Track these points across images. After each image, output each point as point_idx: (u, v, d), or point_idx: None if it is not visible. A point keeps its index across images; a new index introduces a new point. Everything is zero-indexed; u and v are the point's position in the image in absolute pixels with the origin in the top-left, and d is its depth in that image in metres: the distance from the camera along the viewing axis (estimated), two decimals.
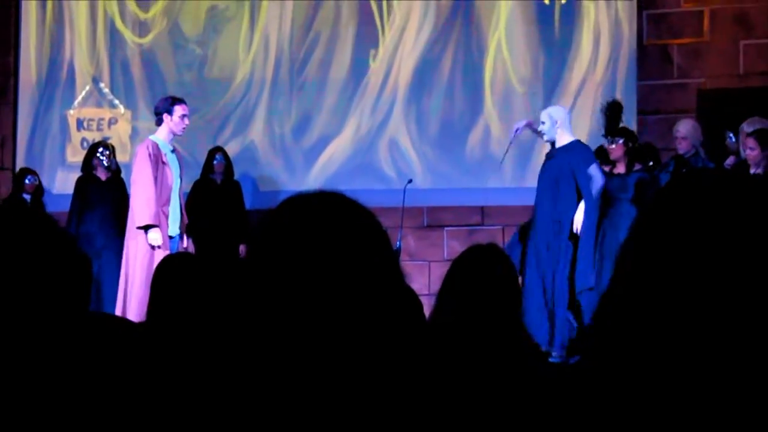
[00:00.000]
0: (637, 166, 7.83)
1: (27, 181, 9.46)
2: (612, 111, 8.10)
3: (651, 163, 8.25)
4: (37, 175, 9.69)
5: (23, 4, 10.48)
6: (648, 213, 1.39)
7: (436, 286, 3.15)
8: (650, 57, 9.25)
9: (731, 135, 8.09)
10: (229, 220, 8.95)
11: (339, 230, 1.37)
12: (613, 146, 7.77)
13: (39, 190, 9.55)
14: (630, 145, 7.86)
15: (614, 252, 7.52)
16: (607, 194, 7.82)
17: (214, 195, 9.04)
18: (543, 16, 9.51)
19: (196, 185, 9.22)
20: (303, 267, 1.33)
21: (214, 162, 9.17)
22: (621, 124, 8.22)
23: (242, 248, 8.96)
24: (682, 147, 7.90)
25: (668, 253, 1.31)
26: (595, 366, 1.37)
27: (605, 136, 7.93)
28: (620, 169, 7.77)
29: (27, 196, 9.56)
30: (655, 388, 1.28)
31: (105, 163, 9.11)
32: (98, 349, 1.91)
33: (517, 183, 9.34)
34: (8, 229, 1.85)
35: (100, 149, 9.22)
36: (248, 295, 1.37)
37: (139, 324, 3.71)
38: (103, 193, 9.02)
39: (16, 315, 1.73)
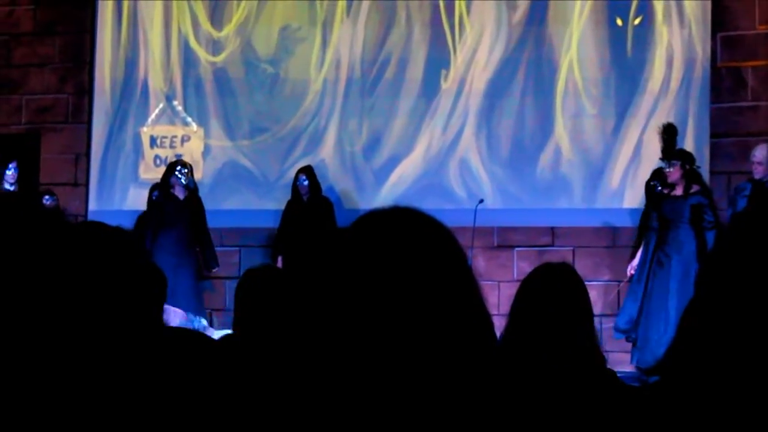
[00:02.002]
0: (695, 188, 7.94)
1: (45, 202, 9.67)
2: (668, 134, 8.28)
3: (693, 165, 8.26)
4: (56, 196, 9.95)
5: (98, 24, 10.76)
6: (727, 238, 1.34)
7: (505, 307, 3.11)
8: (723, 79, 9.29)
9: None
10: (319, 236, 9.17)
11: (416, 245, 1.37)
12: (671, 169, 7.91)
13: (59, 212, 9.76)
14: (687, 167, 7.99)
15: (680, 275, 7.91)
16: (664, 218, 8.00)
17: (303, 214, 9.26)
18: (615, 37, 9.58)
19: (288, 205, 9.53)
20: (381, 283, 1.33)
21: (298, 183, 9.40)
22: (684, 148, 8.45)
23: (279, 260, 9.26)
24: (759, 172, 7.94)
25: (750, 277, 1.34)
26: (676, 389, 1.38)
27: (662, 159, 8.09)
28: (678, 191, 7.94)
29: None
30: (736, 410, 1.31)
31: (183, 181, 9.31)
32: (175, 363, 1.98)
33: (587, 204, 9.48)
34: (87, 243, 1.92)
35: (179, 167, 9.43)
36: (329, 312, 1.36)
37: (221, 338, 3.82)
38: (180, 211, 9.22)
39: (94, 329, 1.77)
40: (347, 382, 1.32)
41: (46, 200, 9.64)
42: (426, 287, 1.34)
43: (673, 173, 7.99)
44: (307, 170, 9.46)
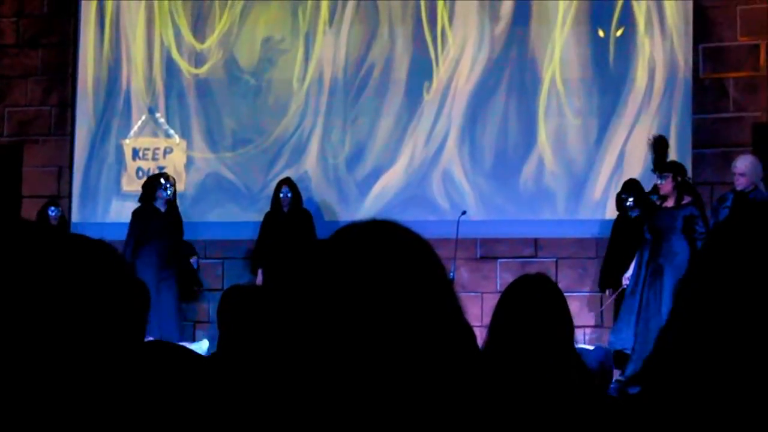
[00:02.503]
0: (686, 199, 8.03)
1: (50, 213, 9.71)
2: (659, 146, 8.32)
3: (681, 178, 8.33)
4: (60, 207, 9.96)
5: (81, 36, 10.79)
6: (708, 248, 1.44)
7: (488, 318, 3.14)
8: (706, 91, 9.38)
9: None
10: (299, 249, 9.24)
11: (394, 259, 1.38)
12: (663, 182, 7.98)
13: (63, 222, 9.76)
14: (679, 179, 8.05)
15: (673, 286, 7.83)
16: (657, 229, 8.06)
17: (283, 226, 9.27)
18: (598, 49, 9.68)
19: (267, 217, 9.51)
20: (358, 295, 1.34)
21: (281, 195, 9.43)
22: (671, 159, 8.45)
23: (259, 274, 9.34)
24: (741, 183, 7.95)
25: (729, 288, 1.34)
26: (656, 399, 1.38)
27: (654, 171, 8.14)
28: (670, 203, 8.01)
29: None
30: (718, 420, 1.30)
31: (167, 194, 9.37)
32: (161, 377, 1.97)
33: (570, 215, 9.55)
34: (67, 255, 1.85)
35: (163, 181, 9.42)
36: (308, 325, 1.37)
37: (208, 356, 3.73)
38: (164, 224, 9.22)
39: (76, 343, 1.73)
40: (327, 395, 1.34)
41: (51, 211, 9.67)
42: (404, 300, 1.35)
43: (666, 185, 8.03)
44: (290, 182, 9.51)
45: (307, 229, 9.32)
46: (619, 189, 9.15)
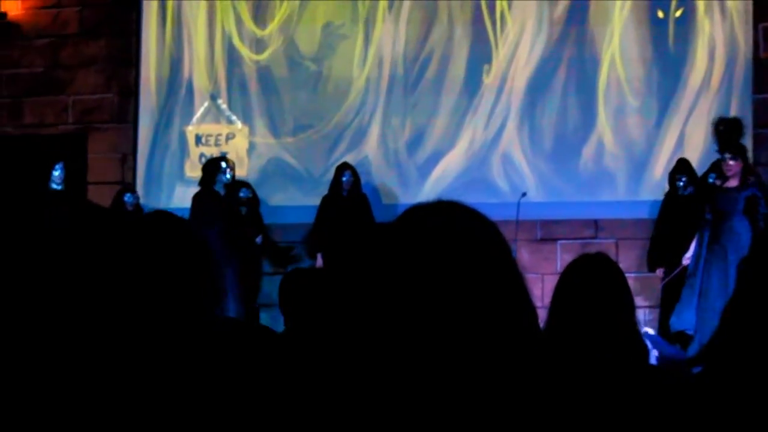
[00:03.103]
0: (750, 180, 8.03)
1: (126, 200, 9.80)
2: (735, 128, 8.26)
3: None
4: (136, 194, 10.03)
5: (143, 24, 10.87)
6: None
7: (549, 299, 3.14)
8: (766, 70, 9.39)
9: None
10: (360, 232, 9.18)
11: (461, 239, 1.38)
12: (733, 162, 7.95)
13: (139, 209, 9.79)
14: (745, 161, 8.03)
15: (727, 265, 7.89)
16: (719, 210, 8.05)
17: (342, 209, 9.39)
18: (657, 30, 9.71)
19: (325, 200, 9.50)
20: (427, 276, 1.34)
21: (343, 179, 9.50)
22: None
23: (319, 257, 9.37)
24: None
25: None
26: (720, 377, 1.37)
27: (720, 152, 8.11)
28: (732, 183, 7.98)
29: None
30: None
31: (226, 178, 9.44)
32: (234, 354, 1.98)
33: (630, 197, 9.60)
34: (155, 235, 1.96)
35: (223, 164, 9.48)
36: (376, 306, 1.36)
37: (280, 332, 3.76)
38: (223, 208, 9.28)
39: (148, 321, 1.81)
40: (395, 377, 1.31)
41: (128, 198, 9.78)
42: (471, 279, 1.34)
43: (735, 166, 7.99)
44: (350, 166, 9.61)
45: (365, 212, 9.41)
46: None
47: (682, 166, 8.99)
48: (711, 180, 8.53)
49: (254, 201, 9.72)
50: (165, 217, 2.12)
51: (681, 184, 8.91)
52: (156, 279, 1.91)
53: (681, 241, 8.62)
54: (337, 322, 1.43)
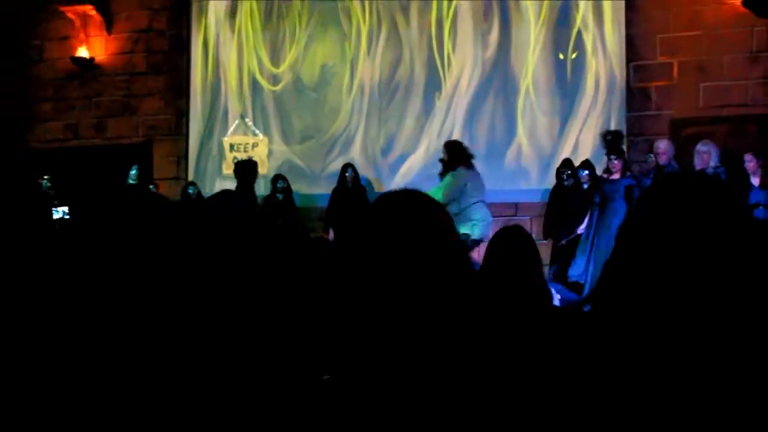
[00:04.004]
0: (628, 174, 8.17)
1: (189, 191, 10.02)
2: (616, 137, 8.51)
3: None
4: (197, 186, 10.18)
5: (192, 65, 11.23)
6: (639, 202, 1.45)
7: (482, 259, 3.17)
8: (635, 95, 9.54)
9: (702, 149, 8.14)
10: (357, 212, 9.22)
11: (420, 215, 1.40)
12: (616, 162, 8.18)
13: (200, 197, 9.80)
14: (624, 160, 8.25)
15: (611, 233, 7.68)
16: (605, 195, 8.20)
17: (348, 196, 9.53)
18: (559, 67, 9.88)
19: (334, 190, 9.77)
20: (394, 241, 1.36)
21: (346, 174, 9.71)
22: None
23: (331, 231, 9.30)
24: (662, 159, 8.21)
25: (655, 227, 1.36)
26: (603, 312, 1.39)
27: (609, 154, 8.21)
28: (615, 176, 8.18)
29: None
30: (658, 330, 1.28)
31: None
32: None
33: (540, 186, 9.68)
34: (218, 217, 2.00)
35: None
36: (360, 264, 1.37)
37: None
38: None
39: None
40: (370, 312, 1.33)
41: (190, 190, 9.96)
42: (426, 241, 1.37)
43: (618, 164, 8.17)
44: (352, 165, 9.84)
45: (364, 198, 9.52)
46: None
47: (565, 163, 9.08)
48: (582, 174, 8.68)
49: (288, 189, 9.81)
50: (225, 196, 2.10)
51: (564, 176, 9.00)
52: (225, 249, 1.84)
53: (566, 217, 8.69)
54: (338, 272, 1.40)
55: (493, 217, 9.21)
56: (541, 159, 9.86)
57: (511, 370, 1.36)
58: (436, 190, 7.83)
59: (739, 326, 1.25)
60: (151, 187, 10.02)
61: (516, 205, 9.85)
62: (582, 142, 9.70)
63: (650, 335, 1.28)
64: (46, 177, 10.17)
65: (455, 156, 8.09)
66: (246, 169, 9.47)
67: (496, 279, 2.97)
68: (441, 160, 8.23)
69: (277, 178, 9.85)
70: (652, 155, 8.43)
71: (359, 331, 1.33)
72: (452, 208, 7.76)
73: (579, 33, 9.75)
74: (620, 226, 1.45)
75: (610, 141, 8.45)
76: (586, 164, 8.93)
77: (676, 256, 1.31)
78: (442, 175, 8.17)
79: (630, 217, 1.42)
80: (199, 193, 10.09)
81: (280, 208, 9.31)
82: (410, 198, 1.42)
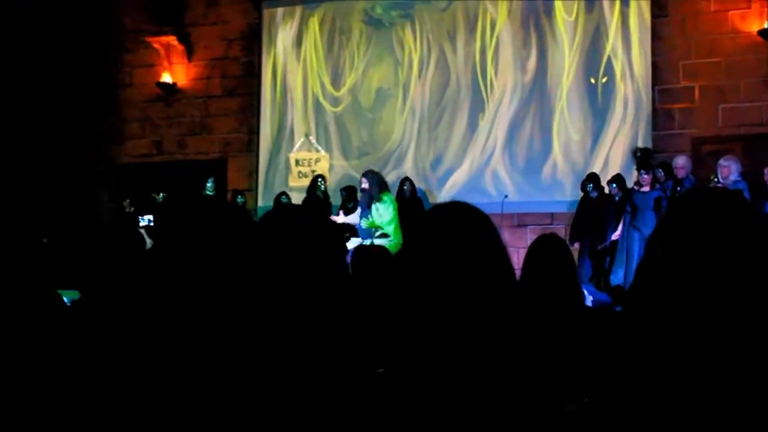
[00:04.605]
0: (657, 187, 8.39)
1: (238, 201, 10.22)
2: (645, 154, 8.87)
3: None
4: (244, 196, 10.34)
5: (262, 89, 11.46)
6: (668, 213, 1.47)
7: (522, 263, 3.10)
8: (660, 116, 9.74)
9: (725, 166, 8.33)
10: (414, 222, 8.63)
11: (469, 225, 1.44)
12: (646, 176, 8.42)
13: (244, 207, 10.13)
14: (653, 174, 8.46)
15: (642, 242, 7.93)
16: (636, 206, 8.39)
17: (406, 207, 9.42)
18: (590, 90, 10.10)
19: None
20: (446, 249, 1.41)
21: (405, 187, 9.81)
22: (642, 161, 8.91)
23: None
24: (681, 173, 8.39)
25: (681, 236, 1.38)
26: (633, 311, 1.39)
27: (639, 169, 8.45)
28: (645, 189, 8.41)
29: None
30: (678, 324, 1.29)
31: (323, 188, 9.99)
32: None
33: (573, 198, 9.77)
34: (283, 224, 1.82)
35: (320, 179, 10.06)
36: (416, 269, 1.41)
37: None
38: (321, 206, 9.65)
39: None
40: (422, 317, 1.36)
41: (239, 199, 10.30)
42: (474, 249, 1.40)
43: (647, 178, 8.38)
44: (410, 179, 9.98)
45: (420, 208, 9.56)
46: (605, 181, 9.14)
47: (589, 178, 9.20)
48: (612, 186, 8.85)
49: (244, 205, 9.81)
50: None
51: (589, 189, 9.16)
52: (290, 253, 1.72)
53: (599, 225, 8.80)
54: (400, 274, 1.39)
55: (531, 225, 9.90)
56: (574, 173, 9.99)
57: (547, 366, 1.38)
58: (388, 222, 7.86)
59: (755, 330, 1.25)
60: (239, 198, 10.19)
61: (551, 215, 10.01)
62: (612, 158, 9.87)
63: (674, 335, 1.27)
64: (161, 194, 10.19)
65: (382, 184, 8.19)
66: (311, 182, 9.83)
67: (534, 282, 2.95)
68: (363, 190, 8.21)
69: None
70: (713, 176, 8.30)
71: (414, 329, 1.34)
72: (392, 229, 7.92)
73: (609, 60, 9.91)
74: (649, 235, 1.46)
75: (640, 157, 8.90)
76: (617, 178, 9.11)
77: (699, 263, 1.30)
78: (367, 202, 8.12)
79: (658, 227, 1.43)
80: (245, 203, 10.23)
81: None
82: (461, 208, 1.45)
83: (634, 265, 8.09)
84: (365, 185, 8.14)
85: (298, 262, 1.59)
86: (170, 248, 1.59)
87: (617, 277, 8.38)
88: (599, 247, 8.89)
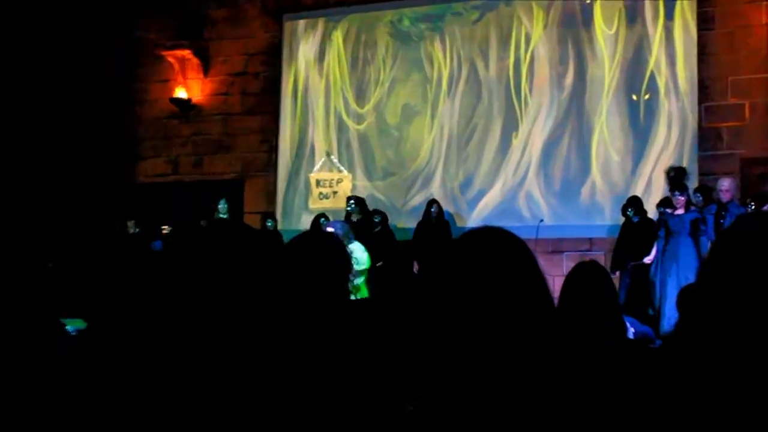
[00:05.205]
0: (692, 208, 8.39)
1: (268, 224, 10.31)
2: (681, 173, 8.57)
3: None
4: (275, 220, 10.41)
5: (282, 107, 11.69)
6: (722, 240, 1.43)
7: (558, 293, 3.07)
8: (707, 135, 9.86)
9: None
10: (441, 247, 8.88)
11: (504, 252, 1.42)
12: (680, 197, 8.39)
13: (276, 230, 10.14)
14: (687, 196, 8.44)
15: (682, 268, 8.02)
16: (671, 230, 8.38)
17: (433, 230, 9.76)
18: (632, 108, 10.25)
19: (419, 225, 10.02)
20: (480, 277, 1.39)
21: (432, 209, 9.93)
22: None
23: (415, 264, 9.47)
24: (725, 197, 8.29)
25: (737, 266, 1.35)
26: (678, 346, 1.39)
27: (673, 190, 8.40)
28: (679, 211, 8.40)
29: None
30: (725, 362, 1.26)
31: (352, 208, 9.82)
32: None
33: (614, 222, 9.79)
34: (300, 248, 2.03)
35: (351, 202, 9.85)
36: (448, 298, 1.38)
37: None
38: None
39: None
40: (458, 343, 1.35)
41: (269, 223, 10.39)
42: (510, 277, 1.38)
43: (682, 200, 8.37)
44: (437, 201, 10.09)
45: (447, 233, 9.75)
46: (648, 204, 9.19)
47: (630, 201, 9.21)
48: (630, 213, 8.89)
49: (384, 222, 9.82)
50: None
51: (630, 213, 9.16)
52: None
53: (633, 251, 8.82)
54: (426, 305, 1.38)
55: (568, 252, 9.91)
56: (614, 196, 10.09)
57: (588, 403, 1.36)
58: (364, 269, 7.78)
59: None
60: (269, 222, 10.26)
61: (590, 240, 10.11)
62: (655, 180, 9.95)
63: (733, 372, 1.24)
64: (168, 227, 10.14)
65: (349, 235, 8.05)
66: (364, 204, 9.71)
67: (573, 314, 2.94)
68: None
69: (374, 213, 9.87)
70: (749, 201, 8.23)
71: (445, 363, 1.33)
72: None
73: (652, 75, 10.09)
74: (703, 263, 1.46)
75: (673, 177, 8.55)
76: (634, 201, 9.19)
77: (759, 296, 1.28)
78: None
79: (713, 252, 1.41)
80: (275, 227, 10.30)
81: (380, 243, 9.19)
82: (495, 235, 1.44)
83: (670, 291, 8.01)
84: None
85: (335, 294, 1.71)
86: (179, 278, 1.58)
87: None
88: (627, 266, 8.85)
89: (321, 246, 2.03)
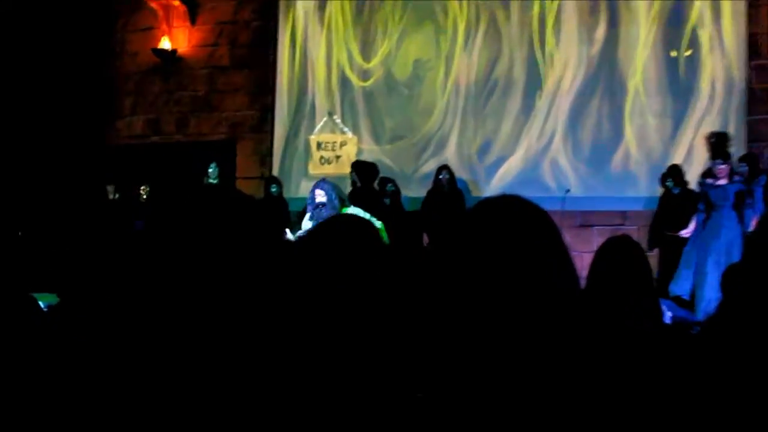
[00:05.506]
0: (736, 178, 8.38)
1: (272, 190, 10.35)
2: (723, 139, 8.67)
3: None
4: (280, 185, 10.42)
5: (278, 60, 11.66)
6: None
7: (586, 272, 3.00)
8: (757, 97, 9.74)
9: None
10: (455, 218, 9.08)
11: (525, 224, 1.40)
12: (723, 166, 8.37)
13: (281, 195, 10.28)
14: (731, 164, 8.40)
15: (724, 245, 8.04)
16: (712, 203, 8.38)
17: (443, 200, 9.79)
18: (671, 65, 10.20)
19: (429, 193, 10.05)
20: (497, 251, 1.37)
21: (440, 176, 9.95)
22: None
23: (424, 236, 9.45)
24: None
25: None
26: (722, 331, 1.42)
27: (714, 158, 8.45)
28: (722, 182, 8.39)
29: None
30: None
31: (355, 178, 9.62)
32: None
33: (650, 193, 9.88)
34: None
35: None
36: (462, 273, 1.37)
37: None
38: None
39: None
40: (469, 319, 1.34)
41: (273, 189, 10.43)
42: (531, 256, 1.36)
43: (724, 169, 8.35)
44: (448, 167, 10.04)
45: (460, 202, 9.75)
46: (689, 174, 9.27)
47: (671, 170, 9.22)
48: (669, 185, 8.89)
49: (397, 193, 9.89)
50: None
51: (669, 185, 9.18)
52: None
53: (673, 225, 8.80)
54: (437, 282, 1.38)
55: (598, 226, 9.92)
56: (650, 164, 10.07)
57: (615, 391, 1.36)
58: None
59: None
60: (273, 188, 10.32)
61: (623, 214, 10.07)
62: (696, 147, 9.92)
63: None
64: (146, 187, 10.43)
65: (341, 197, 8.20)
66: (367, 170, 9.52)
67: (602, 295, 2.91)
68: (320, 205, 8.09)
69: (386, 181, 9.91)
70: None
71: (458, 345, 1.33)
72: None
73: (694, 29, 10.03)
74: (747, 242, 1.47)
75: (714, 143, 8.65)
76: (674, 170, 9.22)
77: None
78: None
79: (762, 233, 1.49)
80: (281, 192, 10.40)
81: (389, 214, 9.07)
82: (515, 204, 1.42)
83: (710, 271, 8.03)
84: (321, 198, 8.19)
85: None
86: (162, 248, 1.56)
87: (680, 288, 8.38)
88: (669, 233, 8.86)
89: (362, 242, 1.88)
